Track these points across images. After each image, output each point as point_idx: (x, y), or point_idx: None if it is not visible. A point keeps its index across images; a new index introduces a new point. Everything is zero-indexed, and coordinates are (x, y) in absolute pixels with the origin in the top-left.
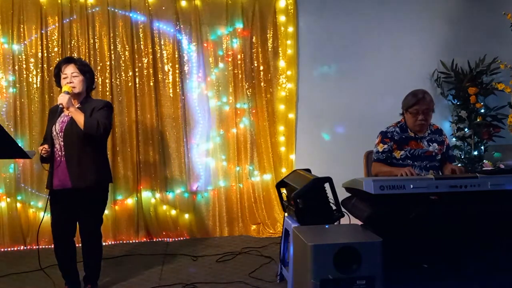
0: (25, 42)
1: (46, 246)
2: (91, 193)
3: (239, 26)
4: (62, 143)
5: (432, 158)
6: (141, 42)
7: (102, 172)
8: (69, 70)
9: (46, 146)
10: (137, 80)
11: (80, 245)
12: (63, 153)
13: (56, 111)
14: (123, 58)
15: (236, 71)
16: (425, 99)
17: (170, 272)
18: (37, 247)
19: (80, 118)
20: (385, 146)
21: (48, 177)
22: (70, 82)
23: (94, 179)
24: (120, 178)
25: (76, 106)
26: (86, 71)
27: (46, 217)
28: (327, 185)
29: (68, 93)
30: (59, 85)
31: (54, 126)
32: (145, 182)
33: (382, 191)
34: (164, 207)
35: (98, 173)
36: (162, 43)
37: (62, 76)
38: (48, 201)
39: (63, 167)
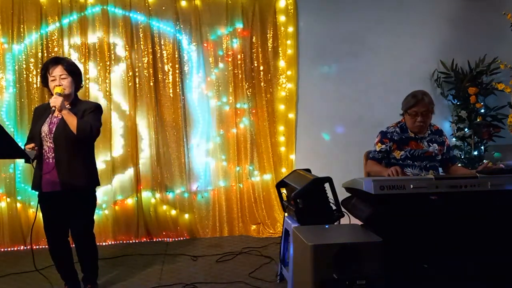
0: (25, 42)
1: (46, 246)
2: (80, 195)
3: (239, 26)
4: (52, 145)
5: (432, 158)
6: (141, 42)
7: (91, 174)
8: (57, 72)
9: (33, 144)
10: (137, 80)
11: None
12: (53, 154)
13: (42, 111)
14: (123, 58)
15: (236, 71)
16: (424, 100)
17: (170, 272)
18: (35, 247)
19: (73, 121)
20: (383, 146)
21: (36, 179)
22: (60, 85)
23: (84, 181)
24: (120, 178)
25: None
26: (74, 71)
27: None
28: (327, 185)
29: (60, 94)
30: (45, 84)
31: (42, 127)
32: (145, 182)
33: (382, 191)
34: (164, 207)
35: (88, 175)
36: (162, 43)
37: (50, 78)
38: (38, 204)
39: (53, 169)
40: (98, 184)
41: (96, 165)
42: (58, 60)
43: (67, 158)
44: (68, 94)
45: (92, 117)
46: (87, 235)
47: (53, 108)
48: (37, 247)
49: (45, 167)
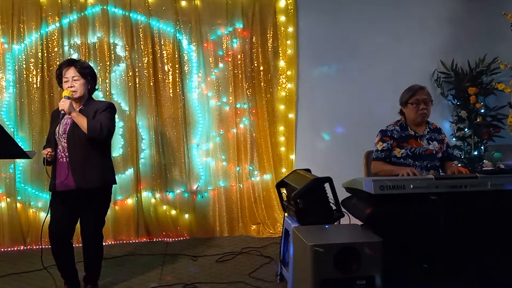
0: (25, 42)
1: (46, 246)
2: (94, 194)
3: (239, 26)
4: (66, 145)
5: (433, 157)
6: (141, 42)
7: (106, 173)
8: (70, 74)
9: (49, 149)
10: (137, 80)
11: (79, 245)
12: (67, 154)
13: (58, 113)
14: (123, 58)
15: (236, 71)
16: (423, 89)
17: (170, 272)
18: (40, 247)
19: (83, 122)
20: (384, 144)
21: (52, 179)
22: (71, 86)
23: (98, 180)
24: (120, 178)
25: (78, 109)
26: (87, 74)
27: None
28: (327, 185)
29: (68, 98)
30: (61, 86)
31: (57, 127)
32: (145, 182)
33: (382, 191)
34: (164, 207)
35: (102, 174)
36: (162, 43)
37: (64, 79)
38: (50, 203)
39: (67, 168)
40: (114, 183)
41: (112, 164)
42: (72, 62)
43: (81, 158)
44: (79, 97)
45: (103, 116)
46: (96, 235)
47: (62, 112)
48: (37, 247)
49: (59, 166)
